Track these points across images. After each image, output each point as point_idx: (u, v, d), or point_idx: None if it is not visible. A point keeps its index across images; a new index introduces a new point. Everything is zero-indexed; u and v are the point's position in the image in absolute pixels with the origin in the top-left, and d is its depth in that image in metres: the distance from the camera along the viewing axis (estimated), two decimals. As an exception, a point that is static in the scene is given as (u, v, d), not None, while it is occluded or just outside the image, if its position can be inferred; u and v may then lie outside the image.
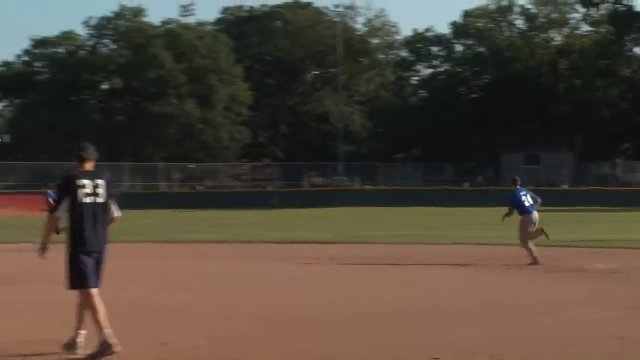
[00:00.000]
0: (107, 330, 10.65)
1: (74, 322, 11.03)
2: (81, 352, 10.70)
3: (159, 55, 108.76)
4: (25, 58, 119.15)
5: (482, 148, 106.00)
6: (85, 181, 10.97)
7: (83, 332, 10.89)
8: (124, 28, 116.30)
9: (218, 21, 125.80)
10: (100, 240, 11.13)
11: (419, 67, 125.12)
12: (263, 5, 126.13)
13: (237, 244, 32.64)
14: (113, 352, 10.50)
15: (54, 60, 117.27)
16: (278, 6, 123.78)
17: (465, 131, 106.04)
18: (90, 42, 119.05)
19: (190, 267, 24.00)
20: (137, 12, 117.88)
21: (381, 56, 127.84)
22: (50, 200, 32.35)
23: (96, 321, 10.71)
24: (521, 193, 24.88)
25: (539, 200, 25.20)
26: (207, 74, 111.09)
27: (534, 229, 24.43)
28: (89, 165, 11.27)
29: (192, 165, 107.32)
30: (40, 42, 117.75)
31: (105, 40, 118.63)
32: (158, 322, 13.26)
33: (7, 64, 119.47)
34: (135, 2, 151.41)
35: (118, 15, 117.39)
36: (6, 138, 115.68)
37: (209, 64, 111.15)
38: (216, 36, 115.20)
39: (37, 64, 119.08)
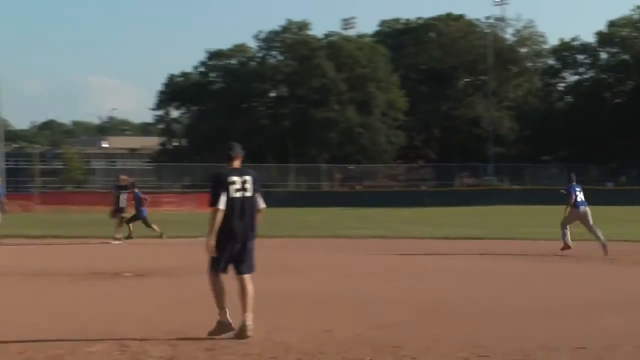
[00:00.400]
0: (226, 315, 10.97)
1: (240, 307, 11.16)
2: (250, 333, 10.81)
3: (322, 65, 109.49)
4: (202, 69, 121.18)
5: (626, 150, 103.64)
6: (235, 178, 11.26)
7: (250, 314, 10.97)
8: (291, 41, 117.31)
9: (376, 33, 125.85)
10: (248, 231, 11.29)
11: (565, 74, 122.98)
12: (418, 18, 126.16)
13: (392, 239, 32.58)
14: (226, 328, 10.90)
15: (228, 70, 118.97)
16: (432, 19, 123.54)
17: (610, 134, 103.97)
18: (260, 54, 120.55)
19: (350, 259, 24.09)
20: (303, 26, 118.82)
21: (529, 64, 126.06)
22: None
23: (221, 304, 11.04)
24: (576, 189, 25.56)
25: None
26: (366, 82, 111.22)
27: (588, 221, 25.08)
28: (236, 163, 11.51)
29: (351, 167, 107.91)
30: (215, 55, 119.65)
31: (273, 52, 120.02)
32: (322, 311, 13.34)
33: (185, 75, 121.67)
34: (301, 16, 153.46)
35: (285, 29, 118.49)
36: (184, 142, 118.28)
37: (368, 73, 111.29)
38: (375, 47, 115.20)
39: (212, 74, 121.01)
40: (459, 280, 18.41)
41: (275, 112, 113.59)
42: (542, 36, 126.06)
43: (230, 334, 10.86)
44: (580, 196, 25.41)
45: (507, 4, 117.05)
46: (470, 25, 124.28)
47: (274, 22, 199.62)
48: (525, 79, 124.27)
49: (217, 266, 11.10)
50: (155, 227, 32.19)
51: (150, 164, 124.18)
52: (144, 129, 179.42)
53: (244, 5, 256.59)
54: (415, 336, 10.87)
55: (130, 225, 32.17)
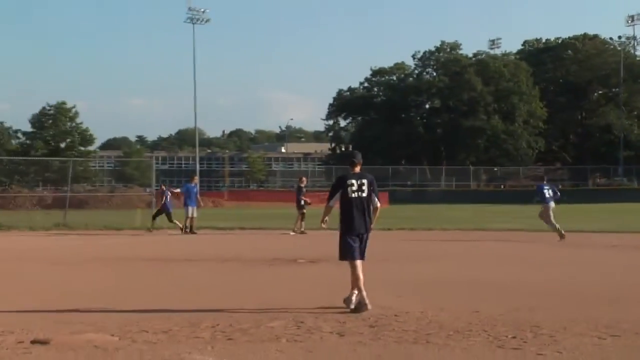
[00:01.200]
0: (364, 293, 11.23)
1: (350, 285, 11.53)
2: (352, 307, 11.16)
3: (471, 80, 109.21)
4: (366, 84, 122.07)
5: None
6: (353, 181, 11.69)
7: (355, 292, 11.32)
8: (444, 59, 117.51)
9: (519, 52, 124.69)
10: (365, 225, 11.64)
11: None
12: (557, 38, 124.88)
13: (531, 232, 32.02)
14: (366, 309, 10.99)
15: (388, 85, 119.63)
16: (570, 38, 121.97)
17: None
18: (417, 71, 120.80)
19: (494, 249, 23.83)
20: (454, 46, 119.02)
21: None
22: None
23: (356, 284, 11.36)
24: (545, 187, 27.95)
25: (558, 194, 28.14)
26: (510, 95, 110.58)
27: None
28: (357, 169, 11.95)
29: (496, 168, 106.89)
30: (377, 72, 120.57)
31: (428, 69, 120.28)
32: (470, 294, 13.24)
33: (351, 90, 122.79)
34: (453, 38, 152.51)
35: (439, 49, 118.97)
36: (350, 147, 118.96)
37: (512, 87, 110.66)
38: (518, 64, 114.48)
39: (375, 89, 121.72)
40: (590, 268, 18.01)
41: (429, 121, 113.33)
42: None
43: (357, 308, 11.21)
44: (549, 193, 27.61)
45: (637, 24, 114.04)
46: (604, 43, 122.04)
47: (430, 43, 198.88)
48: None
49: (351, 256, 11.53)
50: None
51: (321, 166, 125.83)
52: (316, 136, 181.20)
53: (403, 28, 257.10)
54: (552, 317, 10.66)
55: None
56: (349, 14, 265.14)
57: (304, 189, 33.18)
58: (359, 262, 11.53)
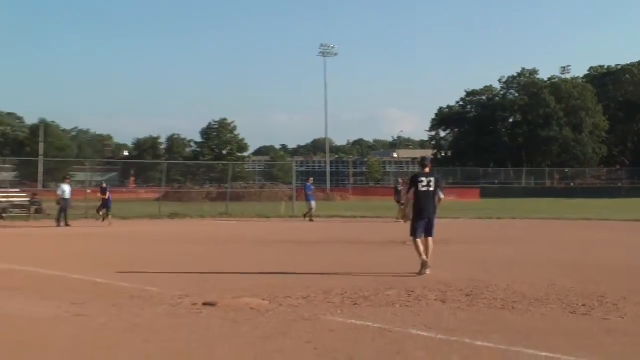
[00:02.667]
0: (424, 257, 12.06)
1: (422, 255, 12.21)
2: (428, 271, 11.92)
3: (546, 99, 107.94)
4: (461, 103, 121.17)
5: None
6: (423, 178, 12.32)
7: (425, 258, 12.10)
8: (524, 82, 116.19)
9: (585, 76, 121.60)
10: (430, 211, 12.28)
11: None
12: (617, 65, 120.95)
13: (596, 221, 31.11)
14: (425, 273, 11.85)
15: (479, 104, 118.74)
16: (628, 65, 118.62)
17: None
18: (502, 92, 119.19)
19: (564, 233, 23.19)
20: (533, 72, 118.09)
21: None
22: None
23: (420, 253, 12.09)
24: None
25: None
26: (578, 111, 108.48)
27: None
28: (427, 170, 12.54)
29: (567, 170, 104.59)
30: (470, 93, 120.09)
31: (511, 90, 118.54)
32: (547, 270, 12.95)
33: (449, 107, 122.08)
34: (532, 65, 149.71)
35: (520, 74, 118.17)
36: (449, 153, 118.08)
37: (579, 104, 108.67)
38: (585, 86, 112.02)
39: (468, 106, 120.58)
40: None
41: (513, 132, 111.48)
42: None
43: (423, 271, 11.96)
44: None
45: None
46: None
47: (512, 69, 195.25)
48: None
49: (415, 233, 12.27)
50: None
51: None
52: (421, 144, 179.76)
53: (490, 57, 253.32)
54: (615, 289, 10.35)
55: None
56: (447, 45, 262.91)
57: (400, 189, 33.12)
58: (420, 240, 12.22)
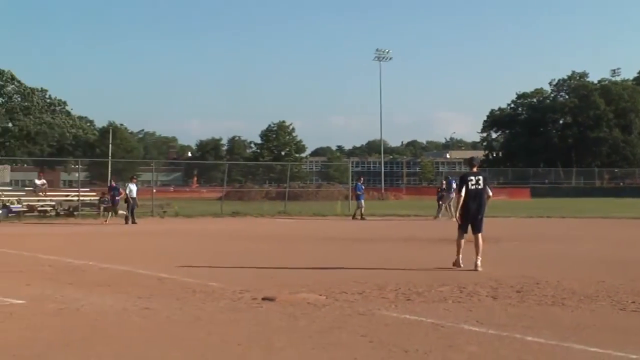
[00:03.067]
0: (461, 257, 12.43)
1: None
2: (462, 266, 12.32)
3: (596, 101, 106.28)
4: (512, 105, 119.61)
5: None
6: (472, 177, 12.50)
7: (479, 257, 12.21)
8: (574, 85, 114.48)
9: (635, 78, 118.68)
10: (478, 209, 12.40)
11: None
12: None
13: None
14: (458, 265, 12.37)
15: (530, 106, 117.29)
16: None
17: None
18: (552, 94, 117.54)
19: (613, 232, 22.69)
20: (583, 75, 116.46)
21: None
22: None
23: (458, 252, 12.51)
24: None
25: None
26: (628, 112, 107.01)
27: None
28: (475, 169, 12.85)
29: (616, 170, 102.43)
30: (521, 95, 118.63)
31: (562, 93, 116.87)
32: (597, 267, 12.71)
33: (500, 109, 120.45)
34: (582, 68, 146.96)
35: (570, 77, 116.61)
36: (500, 154, 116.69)
37: (629, 106, 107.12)
38: (634, 88, 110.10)
39: (519, 108, 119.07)
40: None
41: (563, 133, 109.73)
42: None
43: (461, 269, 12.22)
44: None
45: None
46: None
47: (563, 72, 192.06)
48: None
49: (462, 229, 12.53)
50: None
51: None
52: (473, 146, 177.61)
53: (541, 60, 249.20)
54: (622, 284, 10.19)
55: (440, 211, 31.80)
56: (498, 49, 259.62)
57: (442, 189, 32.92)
58: (479, 235, 12.37)
